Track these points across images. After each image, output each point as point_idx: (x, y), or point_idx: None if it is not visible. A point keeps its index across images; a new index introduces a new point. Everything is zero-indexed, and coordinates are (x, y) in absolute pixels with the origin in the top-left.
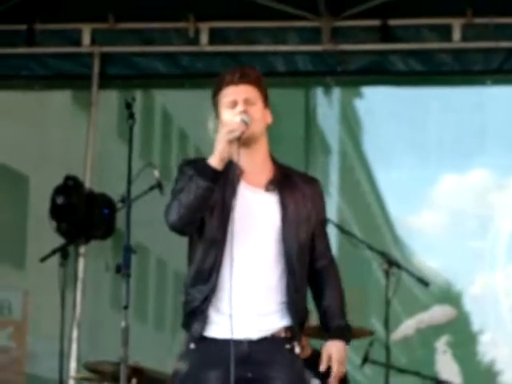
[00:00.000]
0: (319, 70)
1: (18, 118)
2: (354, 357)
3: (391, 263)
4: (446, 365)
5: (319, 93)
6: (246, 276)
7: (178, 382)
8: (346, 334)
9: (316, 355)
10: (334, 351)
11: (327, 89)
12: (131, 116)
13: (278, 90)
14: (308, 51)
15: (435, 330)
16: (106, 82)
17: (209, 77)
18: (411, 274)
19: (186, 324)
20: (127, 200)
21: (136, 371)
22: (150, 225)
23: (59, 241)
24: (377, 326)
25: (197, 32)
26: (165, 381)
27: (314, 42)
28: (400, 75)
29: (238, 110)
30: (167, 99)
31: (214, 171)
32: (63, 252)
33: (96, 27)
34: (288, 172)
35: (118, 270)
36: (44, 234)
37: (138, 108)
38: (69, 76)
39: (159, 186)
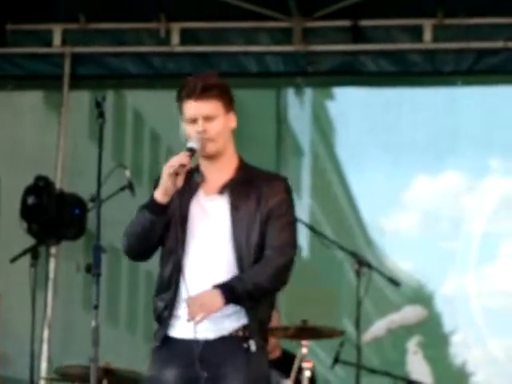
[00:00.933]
0: (290, 70)
1: None
2: (325, 357)
3: (362, 263)
4: (417, 365)
5: (290, 94)
6: (202, 281)
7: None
8: (225, 287)
9: (286, 356)
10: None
11: (298, 89)
12: (101, 115)
13: (249, 91)
14: (279, 52)
15: (406, 331)
16: (77, 83)
17: (180, 77)
18: (382, 274)
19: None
20: (97, 200)
21: (107, 372)
22: (122, 225)
23: (30, 241)
24: (348, 326)
25: (168, 32)
26: (136, 381)
27: (285, 43)
28: (371, 76)
29: (196, 130)
30: (138, 100)
31: (157, 205)
32: (34, 252)
33: (67, 27)
34: (251, 173)
35: (88, 269)
36: (15, 235)
37: (109, 108)
38: (40, 76)
39: (130, 186)
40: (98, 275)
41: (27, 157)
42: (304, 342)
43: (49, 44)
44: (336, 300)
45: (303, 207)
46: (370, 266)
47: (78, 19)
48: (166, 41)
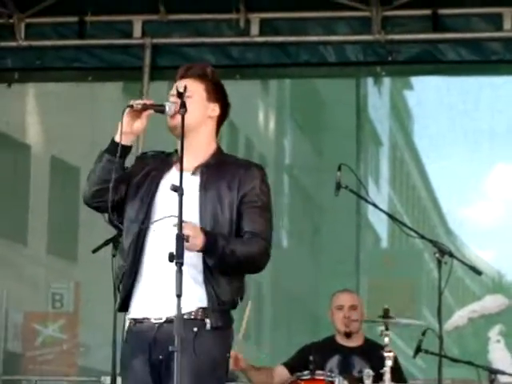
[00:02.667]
0: (369, 59)
1: (70, 109)
2: (407, 348)
3: (444, 252)
4: (499, 354)
5: (369, 83)
6: (161, 256)
7: None
8: (210, 234)
9: (369, 344)
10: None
11: (377, 79)
12: (183, 105)
13: (328, 80)
14: (358, 41)
15: (487, 320)
16: (157, 74)
17: (259, 67)
18: (463, 262)
19: None
20: (179, 189)
21: None
22: None
23: (111, 232)
24: (428, 315)
25: (247, 23)
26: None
27: (364, 32)
28: (450, 64)
29: (171, 93)
30: None
31: (113, 143)
32: (115, 243)
33: (147, 19)
34: (227, 158)
35: (171, 258)
36: (95, 226)
37: None
38: (120, 68)
39: None
40: (181, 265)
41: None
42: (386, 332)
43: (128, 35)
44: (415, 289)
45: (382, 197)
46: (451, 254)
47: (158, 10)
48: (246, 31)
